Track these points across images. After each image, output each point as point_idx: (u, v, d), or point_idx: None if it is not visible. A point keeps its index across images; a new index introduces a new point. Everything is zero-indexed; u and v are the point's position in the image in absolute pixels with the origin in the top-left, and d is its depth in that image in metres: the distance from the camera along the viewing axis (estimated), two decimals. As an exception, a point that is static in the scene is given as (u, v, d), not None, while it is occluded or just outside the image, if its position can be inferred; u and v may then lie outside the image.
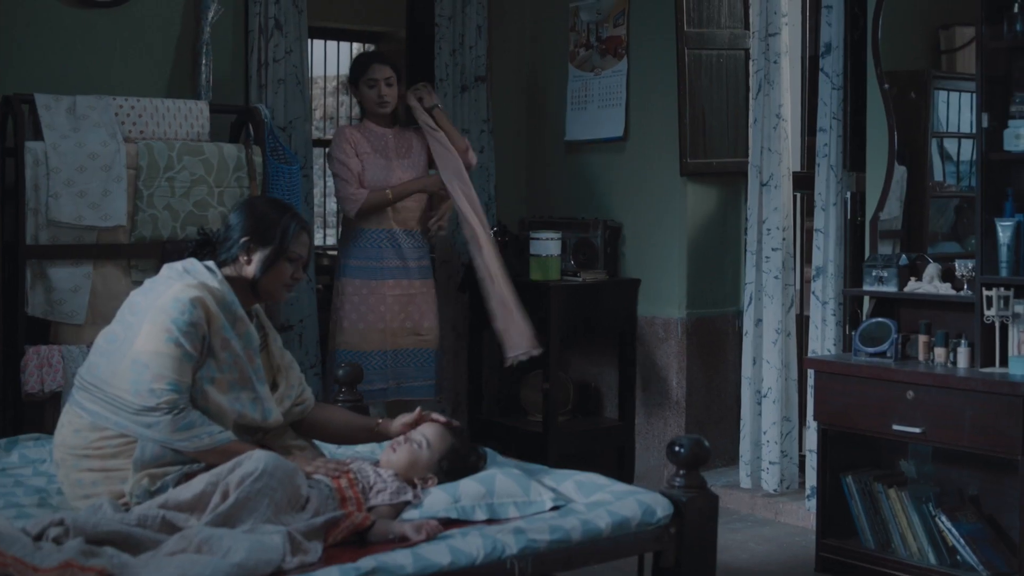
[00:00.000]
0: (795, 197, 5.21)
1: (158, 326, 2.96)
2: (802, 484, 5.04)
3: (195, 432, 2.94)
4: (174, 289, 3.01)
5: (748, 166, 5.17)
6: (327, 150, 5.26)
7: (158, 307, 2.99)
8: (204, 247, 3.23)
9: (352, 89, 5.16)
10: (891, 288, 4.35)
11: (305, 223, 3.26)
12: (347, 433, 3.39)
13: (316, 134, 9.86)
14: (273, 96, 5.27)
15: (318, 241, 9.86)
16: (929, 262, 4.34)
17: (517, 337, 4.99)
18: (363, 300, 5.00)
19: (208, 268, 3.13)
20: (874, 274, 4.40)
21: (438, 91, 5.79)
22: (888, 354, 4.23)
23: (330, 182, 10.54)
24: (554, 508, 2.96)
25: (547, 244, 5.37)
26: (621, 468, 5.57)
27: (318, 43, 9.72)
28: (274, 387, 3.25)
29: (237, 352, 3.06)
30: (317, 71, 9.81)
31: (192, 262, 3.15)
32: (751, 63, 5.25)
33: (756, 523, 4.95)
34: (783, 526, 4.91)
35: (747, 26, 5.48)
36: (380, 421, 3.37)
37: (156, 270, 3.22)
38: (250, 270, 3.16)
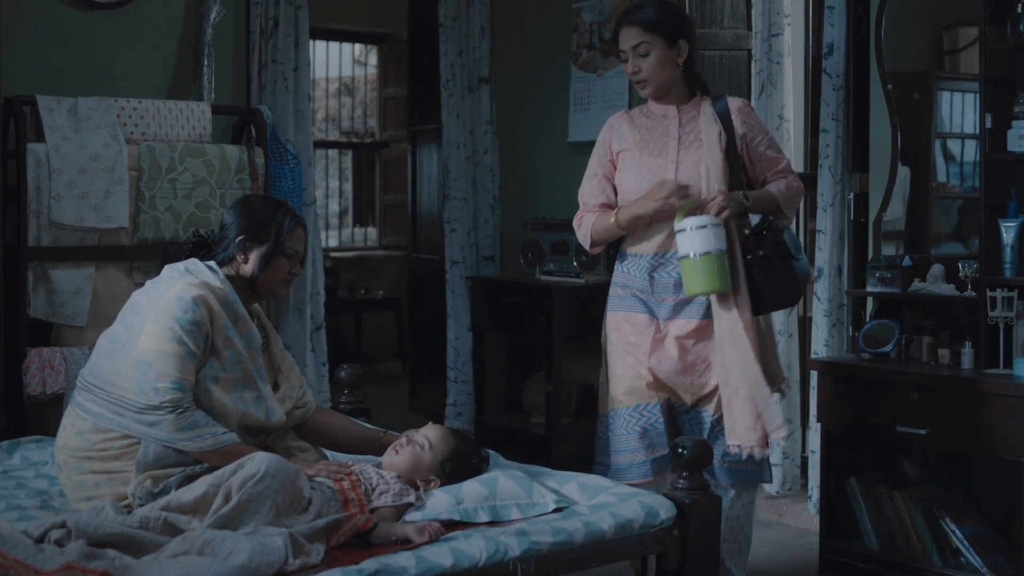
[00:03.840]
0: (798, 198, 5.21)
1: (161, 325, 2.95)
2: (804, 486, 5.03)
3: (198, 432, 2.94)
4: (176, 288, 3.01)
5: (751, 167, 5.16)
6: None
7: (161, 306, 2.98)
8: (200, 249, 3.23)
9: None
10: (895, 289, 4.34)
11: (300, 218, 3.26)
12: (349, 442, 3.37)
13: (318, 135, 9.89)
14: (271, 97, 5.28)
15: (320, 243, 9.86)
16: (933, 263, 4.33)
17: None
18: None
19: (210, 268, 3.13)
20: (877, 275, 4.39)
21: (443, 91, 5.77)
22: (892, 355, 4.22)
23: (333, 183, 10.60)
24: (557, 510, 2.95)
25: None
26: (624, 470, 5.56)
27: (320, 44, 9.74)
28: (275, 388, 3.25)
29: (240, 351, 3.06)
30: (319, 72, 9.82)
31: (194, 262, 3.15)
32: (753, 64, 5.25)
33: (759, 525, 4.94)
34: (786, 528, 4.90)
35: (749, 27, 5.48)
36: (383, 434, 3.36)
37: (158, 272, 3.22)
38: (248, 268, 3.17)
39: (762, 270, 3.49)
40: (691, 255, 3.38)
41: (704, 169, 3.49)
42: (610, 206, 3.64)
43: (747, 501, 3.58)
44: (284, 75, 5.30)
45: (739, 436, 3.44)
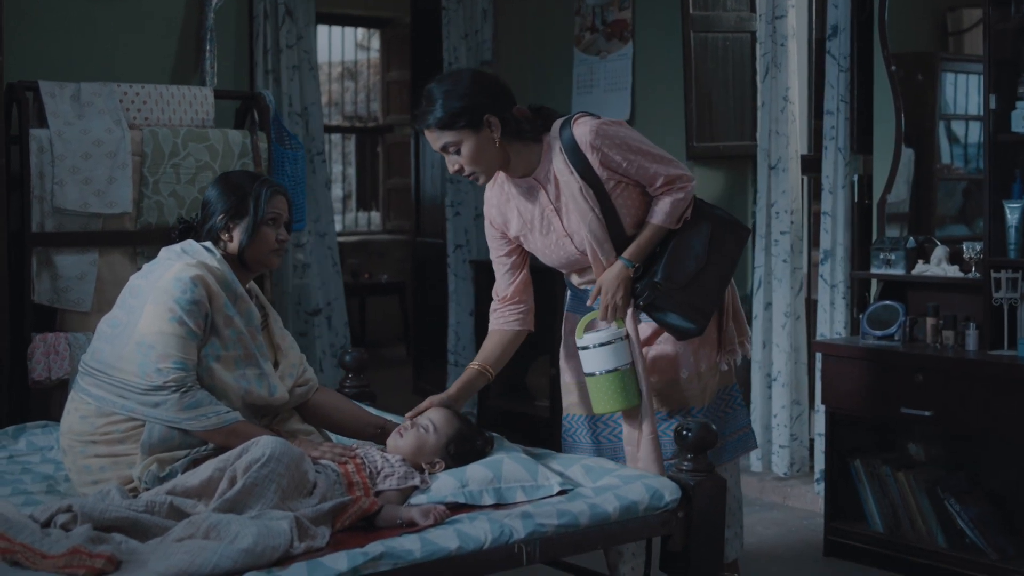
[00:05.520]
0: (802, 180, 5.20)
1: (161, 306, 2.96)
2: (812, 468, 5.03)
3: (202, 411, 2.94)
4: (174, 269, 3.01)
5: (756, 149, 5.15)
6: None
7: (159, 288, 2.99)
8: (188, 233, 3.23)
9: None
10: (899, 271, 4.34)
11: (279, 187, 3.24)
12: (353, 426, 3.37)
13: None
14: (288, 83, 5.28)
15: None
16: (937, 244, 4.33)
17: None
18: None
19: (206, 248, 3.13)
20: (882, 257, 4.38)
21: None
22: (896, 337, 4.22)
23: (336, 167, 10.58)
24: (561, 492, 2.95)
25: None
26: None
27: (322, 28, 9.72)
28: (275, 366, 3.25)
29: (240, 329, 3.06)
30: (322, 57, 9.80)
31: (190, 243, 3.15)
32: (758, 46, 5.24)
33: (764, 507, 4.95)
34: (791, 510, 4.91)
35: (753, 8, 5.47)
36: (389, 420, 3.36)
37: (162, 256, 3.22)
38: (234, 245, 3.17)
39: (657, 307, 3.21)
40: (596, 372, 3.20)
41: (589, 244, 3.22)
42: (521, 288, 3.50)
43: (730, 466, 3.47)
44: (309, 63, 5.32)
45: (643, 463, 3.21)
